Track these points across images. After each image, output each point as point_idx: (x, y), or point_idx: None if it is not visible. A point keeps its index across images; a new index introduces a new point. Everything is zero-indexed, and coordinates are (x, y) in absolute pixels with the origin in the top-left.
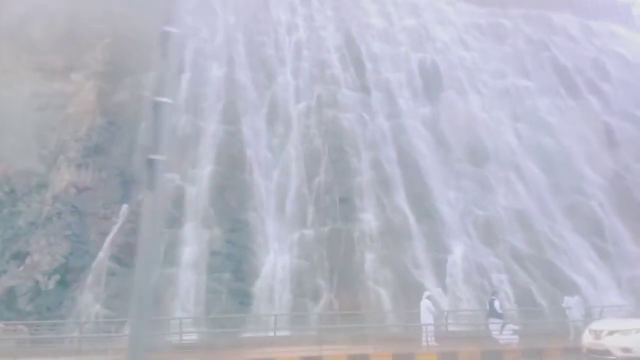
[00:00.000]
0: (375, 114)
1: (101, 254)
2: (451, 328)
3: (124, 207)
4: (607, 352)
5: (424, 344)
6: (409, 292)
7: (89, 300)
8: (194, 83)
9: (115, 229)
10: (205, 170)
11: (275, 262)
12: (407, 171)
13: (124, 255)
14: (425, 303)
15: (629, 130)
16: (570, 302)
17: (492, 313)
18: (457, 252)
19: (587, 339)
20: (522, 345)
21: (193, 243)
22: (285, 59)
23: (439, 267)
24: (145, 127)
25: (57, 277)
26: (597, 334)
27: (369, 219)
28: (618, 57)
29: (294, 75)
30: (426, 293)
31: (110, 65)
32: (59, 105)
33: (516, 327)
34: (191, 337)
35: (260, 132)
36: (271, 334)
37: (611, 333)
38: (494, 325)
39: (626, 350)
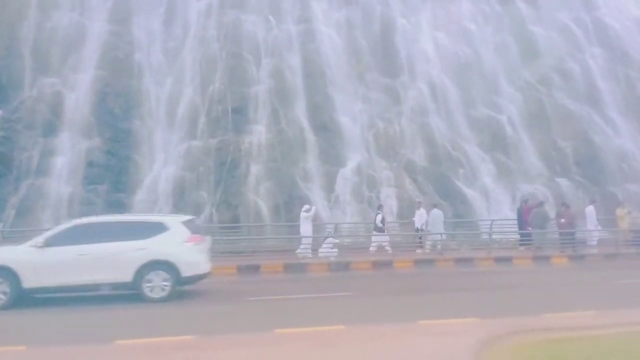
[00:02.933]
0: (284, 17)
1: None
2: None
3: None
4: None
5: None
6: (293, 205)
7: None
8: None
9: None
10: (87, 75)
11: (159, 173)
12: (311, 81)
13: None
14: (303, 215)
15: (554, 40)
16: (423, 216)
17: (375, 226)
18: (350, 166)
19: None
20: (337, 259)
21: (69, 153)
22: None
23: (330, 181)
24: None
25: None
26: None
27: (260, 130)
28: None
29: None
30: (305, 207)
31: None
32: None
33: (336, 241)
34: None
35: (155, 33)
36: None
37: None
38: (375, 238)
39: None
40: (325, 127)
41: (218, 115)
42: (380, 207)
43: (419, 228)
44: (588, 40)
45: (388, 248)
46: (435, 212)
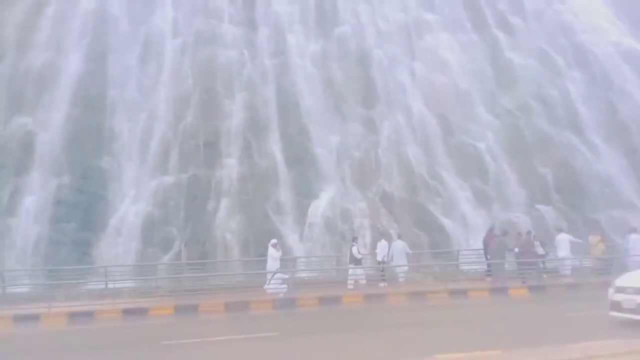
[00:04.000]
0: (259, 52)
1: None
2: (302, 274)
3: None
4: None
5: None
6: (263, 239)
7: None
8: (59, 17)
9: None
10: (60, 114)
11: (128, 210)
12: (285, 113)
13: None
14: (270, 251)
15: (532, 66)
16: (385, 248)
17: (351, 259)
18: (324, 197)
19: None
20: (285, 295)
21: (38, 192)
22: None
23: (303, 213)
24: None
25: None
26: None
27: (232, 164)
28: None
29: (175, 8)
30: (272, 241)
31: None
32: None
33: (285, 276)
34: (21, 289)
35: (131, 70)
36: (111, 285)
37: None
38: (352, 271)
39: None
40: (300, 159)
41: (190, 149)
42: (355, 239)
43: (381, 260)
44: (567, 65)
45: (363, 281)
46: (397, 243)
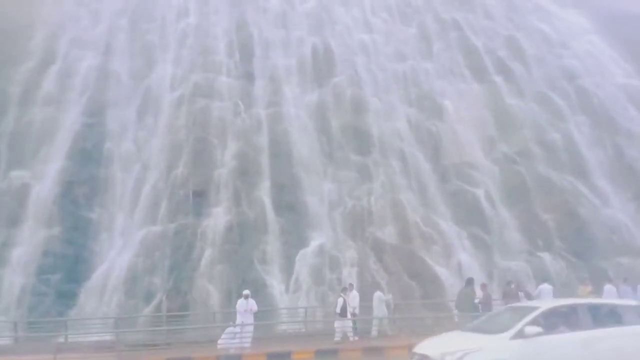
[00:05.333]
0: (254, 103)
1: None
2: (284, 327)
3: None
4: None
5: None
6: (246, 289)
7: None
8: (63, 74)
9: None
10: (55, 166)
11: (114, 261)
12: (277, 162)
13: None
14: (241, 303)
15: (534, 111)
16: (356, 299)
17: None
18: (312, 246)
19: None
20: (235, 351)
21: (27, 243)
22: (169, 47)
23: (291, 262)
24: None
25: None
26: None
27: (219, 213)
28: (537, 34)
29: (175, 64)
30: (244, 292)
31: None
32: None
33: (237, 331)
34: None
35: (129, 124)
36: (93, 338)
37: None
38: (338, 323)
39: None
40: (290, 207)
41: (179, 199)
42: (344, 290)
43: (352, 312)
44: (571, 108)
45: (350, 334)
46: (375, 294)
